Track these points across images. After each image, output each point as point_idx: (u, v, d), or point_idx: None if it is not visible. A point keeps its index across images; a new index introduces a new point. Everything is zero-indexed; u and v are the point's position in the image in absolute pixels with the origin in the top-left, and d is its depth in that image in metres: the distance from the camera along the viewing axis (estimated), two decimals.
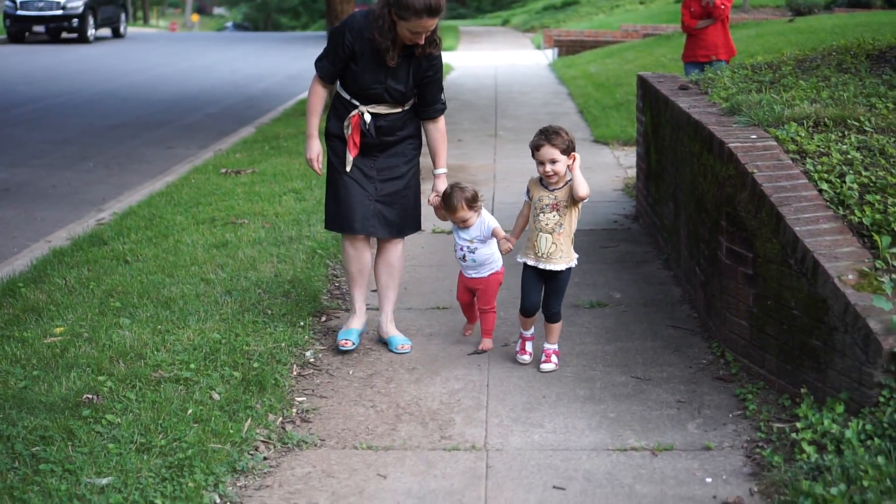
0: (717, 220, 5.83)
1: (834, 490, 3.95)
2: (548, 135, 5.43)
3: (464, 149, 12.70)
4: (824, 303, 4.75)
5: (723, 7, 11.45)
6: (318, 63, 5.86)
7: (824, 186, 5.31)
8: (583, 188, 5.37)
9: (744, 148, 5.70)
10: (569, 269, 5.61)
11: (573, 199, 5.43)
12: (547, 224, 5.49)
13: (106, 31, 37.46)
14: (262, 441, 4.77)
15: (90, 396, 4.91)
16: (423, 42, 5.58)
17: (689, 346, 5.97)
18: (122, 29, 38.12)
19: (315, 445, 4.80)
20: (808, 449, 4.35)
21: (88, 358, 5.42)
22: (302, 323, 6.21)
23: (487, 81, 20.66)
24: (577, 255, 5.64)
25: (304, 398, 5.32)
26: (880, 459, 4.04)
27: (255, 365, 5.45)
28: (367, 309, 6.23)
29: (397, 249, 6.11)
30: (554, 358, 5.68)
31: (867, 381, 4.46)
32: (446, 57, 27.40)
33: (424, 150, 6.11)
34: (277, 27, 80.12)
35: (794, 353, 5.02)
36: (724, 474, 4.46)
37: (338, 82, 5.90)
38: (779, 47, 10.35)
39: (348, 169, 5.83)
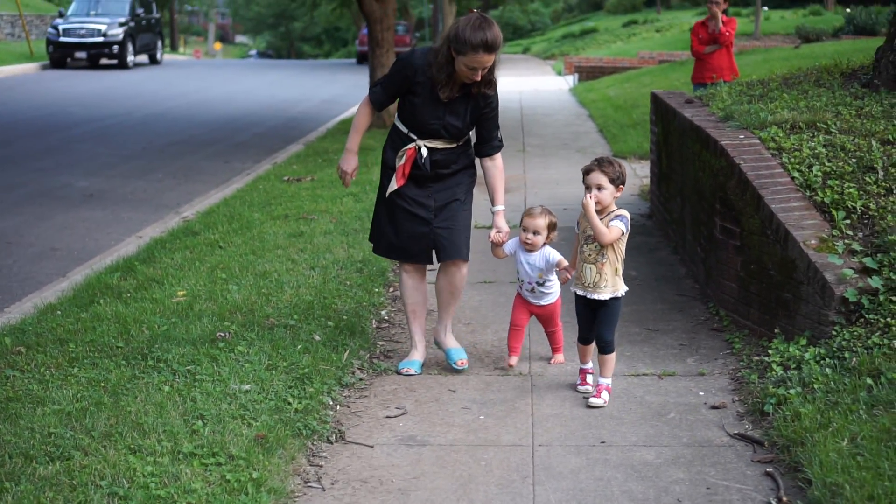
0: (713, 204, 7.24)
1: (792, 391, 5.32)
2: (601, 161, 5.59)
3: None
4: (793, 263, 6.13)
5: (727, 34, 12.84)
6: (373, 88, 6.10)
7: (795, 174, 6.71)
8: (602, 237, 5.54)
9: (733, 145, 7.13)
10: (615, 299, 5.69)
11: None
12: (589, 255, 5.64)
13: (143, 58, 39.04)
14: (358, 368, 6.18)
15: (222, 334, 6.33)
16: (479, 79, 5.71)
17: (691, 307, 7.36)
18: (158, 55, 39.70)
19: (397, 372, 6.19)
20: (776, 368, 5.73)
21: (211, 311, 6.84)
22: (376, 290, 7.62)
23: (513, 105, 22.11)
24: (625, 287, 5.77)
25: (385, 342, 6.73)
26: (828, 371, 5.42)
27: (345, 318, 6.85)
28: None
29: (461, 270, 6.18)
30: (605, 395, 5.69)
31: (824, 321, 5.84)
32: None
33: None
34: (300, 55, 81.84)
35: (771, 304, 6.40)
36: (713, 390, 5.84)
37: (396, 115, 6.08)
38: (781, 71, 11.70)
39: (386, 194, 6.06)
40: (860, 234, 6.19)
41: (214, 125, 20.08)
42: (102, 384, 5.57)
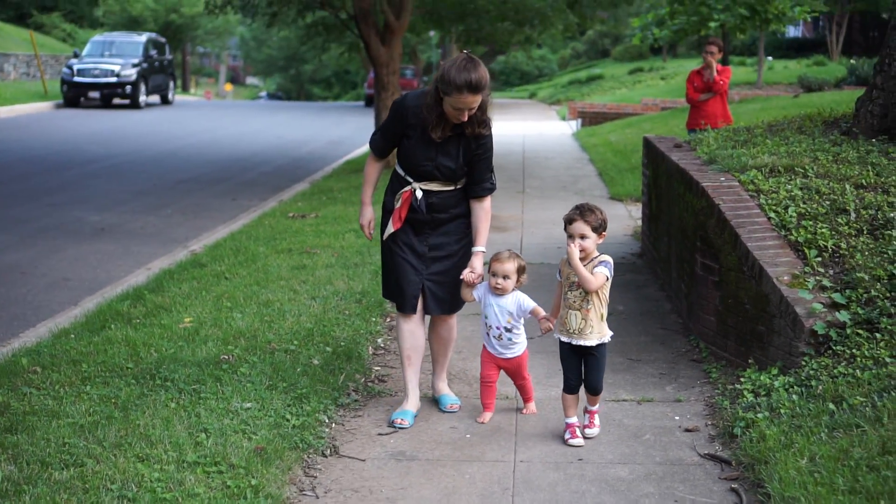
0: (694, 242, 7.62)
1: (760, 415, 5.67)
2: (582, 210, 5.61)
3: (495, 202, 14.40)
4: (767, 297, 6.50)
5: (721, 82, 13.25)
6: (372, 137, 6.17)
7: (772, 215, 7.10)
8: (587, 284, 5.60)
9: (713, 186, 7.52)
10: (602, 345, 5.75)
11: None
12: (574, 301, 5.67)
13: (155, 98, 39.71)
14: (353, 390, 6.54)
15: (226, 357, 6.71)
16: (465, 119, 5.72)
17: (673, 340, 7.72)
18: (170, 96, 40.36)
19: (390, 395, 6.55)
20: (748, 395, 6.08)
21: (216, 336, 7.23)
22: (373, 319, 7.99)
23: (516, 148, 22.55)
24: (610, 333, 5.81)
25: (379, 367, 7.09)
26: (795, 397, 5.76)
27: (342, 344, 7.22)
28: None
29: (448, 324, 6.31)
30: (597, 419, 5.91)
31: (794, 351, 6.20)
32: None
33: None
34: (310, 97, 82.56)
35: (747, 337, 6.75)
36: (688, 415, 6.20)
37: (396, 160, 6.15)
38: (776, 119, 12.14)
39: (383, 237, 6.11)
40: (831, 272, 6.56)
41: (223, 164, 20.53)
42: (113, 400, 5.94)
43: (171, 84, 40.79)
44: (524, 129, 28.64)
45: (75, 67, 35.45)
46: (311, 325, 7.60)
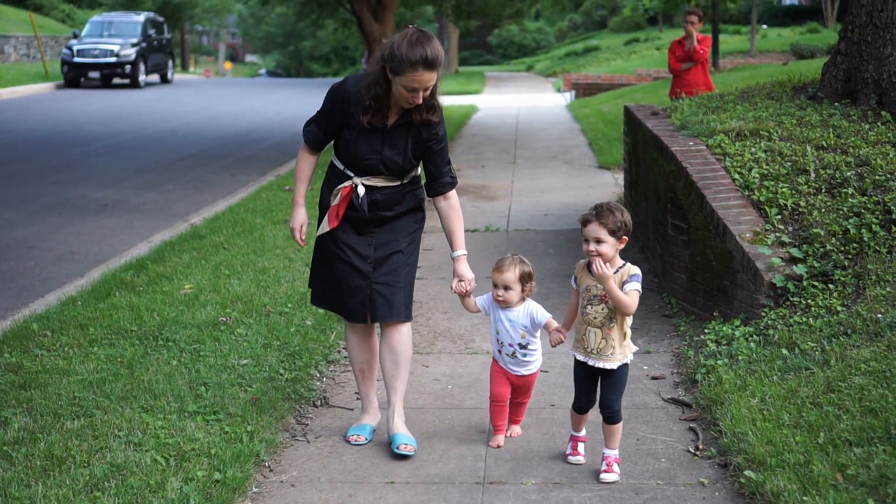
0: (666, 204, 8.05)
1: (720, 362, 6.12)
2: (599, 211, 4.82)
3: (486, 173, 14.99)
4: (730, 254, 6.93)
5: (701, 51, 13.65)
6: (306, 128, 5.40)
7: (736, 176, 7.52)
8: (625, 309, 4.82)
9: (682, 151, 7.95)
10: (624, 366, 4.99)
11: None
12: (595, 318, 4.90)
13: (154, 77, 40.05)
14: (343, 347, 6.98)
15: (224, 319, 7.16)
16: (420, 102, 5.02)
17: (648, 297, 8.12)
18: (169, 75, 40.70)
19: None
20: (711, 345, 6.52)
21: (214, 301, 7.67)
22: None
23: (510, 120, 22.95)
24: (635, 348, 5.07)
25: None
26: (752, 345, 6.20)
27: None
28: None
29: (401, 333, 5.43)
30: (616, 467, 5.01)
31: (755, 303, 6.63)
32: (472, 99, 29.71)
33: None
34: (309, 74, 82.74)
35: (713, 292, 7.19)
36: (656, 364, 6.64)
37: (333, 151, 5.41)
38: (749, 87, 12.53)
39: (317, 234, 5.46)
40: (790, 228, 6.99)
41: (222, 141, 20.93)
42: (119, 359, 6.40)
43: (171, 63, 41.12)
44: (519, 101, 29.05)
45: (75, 48, 35.74)
46: (304, 289, 8.03)
